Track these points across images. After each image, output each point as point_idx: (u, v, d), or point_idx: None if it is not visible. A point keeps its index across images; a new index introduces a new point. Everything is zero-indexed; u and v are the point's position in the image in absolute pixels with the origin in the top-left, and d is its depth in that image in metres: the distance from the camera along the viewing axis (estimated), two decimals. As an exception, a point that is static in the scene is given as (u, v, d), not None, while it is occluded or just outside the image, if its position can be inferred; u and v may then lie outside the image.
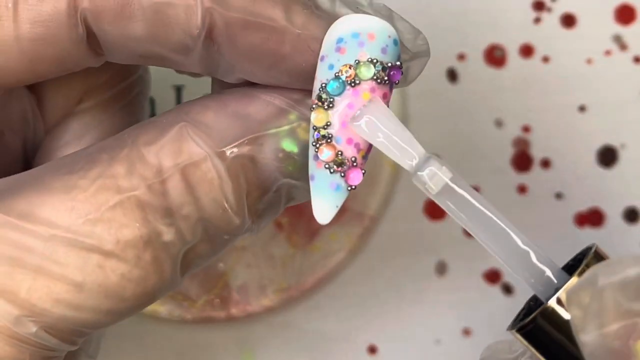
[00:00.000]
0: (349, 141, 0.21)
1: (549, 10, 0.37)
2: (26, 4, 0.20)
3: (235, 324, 0.36)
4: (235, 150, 0.21)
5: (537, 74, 0.37)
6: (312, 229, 0.36)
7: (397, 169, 0.37)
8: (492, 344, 0.25)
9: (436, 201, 0.22)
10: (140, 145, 0.21)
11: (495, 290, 0.37)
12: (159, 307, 0.36)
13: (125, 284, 0.21)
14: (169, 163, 0.21)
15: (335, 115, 0.21)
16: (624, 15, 0.37)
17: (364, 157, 0.21)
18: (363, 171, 0.21)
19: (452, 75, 0.37)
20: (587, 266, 0.22)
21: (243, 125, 0.21)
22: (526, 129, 0.37)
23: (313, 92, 0.21)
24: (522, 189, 0.37)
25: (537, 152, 0.37)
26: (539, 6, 0.37)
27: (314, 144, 0.21)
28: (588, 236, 0.37)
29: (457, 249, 0.37)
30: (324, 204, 0.21)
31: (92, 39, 0.21)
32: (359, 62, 0.21)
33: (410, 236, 0.37)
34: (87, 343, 0.26)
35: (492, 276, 0.37)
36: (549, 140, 0.37)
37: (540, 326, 0.22)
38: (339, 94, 0.21)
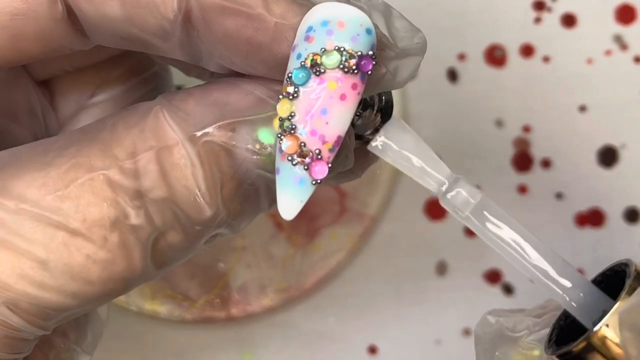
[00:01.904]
0: (313, 132, 0.20)
1: (549, 10, 0.37)
2: None
3: (235, 324, 0.36)
4: (207, 134, 0.21)
5: (538, 74, 0.37)
6: (312, 229, 0.36)
7: (397, 169, 0.37)
8: (487, 317, 0.24)
9: (466, 223, 0.22)
10: (119, 128, 0.21)
11: (495, 290, 0.37)
12: (159, 307, 0.36)
13: (91, 266, 0.20)
14: (144, 145, 0.21)
15: (298, 106, 0.20)
16: (624, 15, 0.37)
17: (331, 150, 0.20)
18: (329, 165, 0.20)
19: (452, 75, 0.37)
20: (633, 286, 0.21)
21: (220, 113, 0.21)
22: (526, 129, 0.37)
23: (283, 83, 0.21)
24: (522, 189, 0.37)
25: (537, 152, 0.37)
26: (539, 6, 0.37)
27: (278, 135, 0.20)
28: (588, 236, 0.37)
29: (457, 249, 0.37)
30: (288, 198, 0.21)
31: (73, 17, 0.21)
32: (325, 50, 0.20)
33: (410, 236, 0.37)
34: (82, 338, 0.26)
35: (492, 276, 0.37)
36: (549, 140, 0.37)
37: (587, 350, 0.21)
38: (304, 84, 0.20)
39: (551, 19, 0.37)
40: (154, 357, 0.37)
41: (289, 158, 0.20)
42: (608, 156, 0.37)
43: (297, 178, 0.20)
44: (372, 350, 0.37)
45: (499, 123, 0.37)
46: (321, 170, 0.20)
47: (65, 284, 0.20)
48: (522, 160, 0.37)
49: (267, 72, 0.21)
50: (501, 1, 0.37)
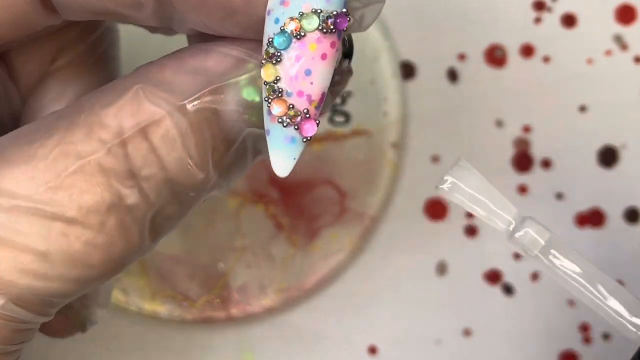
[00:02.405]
0: (300, 94, 0.21)
1: (550, 10, 0.37)
2: None
3: (235, 324, 0.36)
4: (196, 103, 0.21)
5: (537, 74, 0.37)
6: (312, 229, 0.36)
7: (397, 169, 0.37)
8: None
9: (539, 259, 0.22)
10: (98, 109, 0.21)
11: (495, 290, 0.37)
12: (159, 307, 0.36)
13: (91, 251, 0.21)
14: (129, 124, 0.20)
15: (283, 70, 0.21)
16: (625, 15, 0.37)
17: (317, 108, 0.21)
18: (317, 121, 0.21)
19: (452, 75, 0.37)
20: None
21: (203, 80, 0.21)
22: (526, 129, 0.37)
23: (262, 48, 0.21)
24: (522, 189, 0.37)
25: (537, 152, 0.37)
26: (539, 6, 0.37)
27: (266, 99, 0.21)
28: (588, 236, 0.37)
29: (457, 249, 0.37)
30: (282, 157, 0.21)
31: None
32: (302, 14, 0.20)
33: (410, 236, 0.37)
34: (96, 293, 0.26)
35: (492, 276, 0.37)
36: (549, 140, 0.37)
37: None
38: (285, 48, 0.20)
39: (551, 19, 0.37)
40: (154, 357, 0.37)
41: (279, 120, 0.21)
42: (608, 156, 0.37)
43: (288, 138, 0.21)
44: (372, 350, 0.37)
45: (499, 123, 0.37)
46: (311, 128, 0.21)
47: (67, 272, 0.21)
48: (522, 160, 0.37)
49: (241, 33, 0.21)
50: (501, 1, 0.37)
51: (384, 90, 0.36)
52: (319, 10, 0.20)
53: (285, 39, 0.20)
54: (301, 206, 0.36)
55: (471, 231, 0.37)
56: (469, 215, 0.37)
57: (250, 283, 0.36)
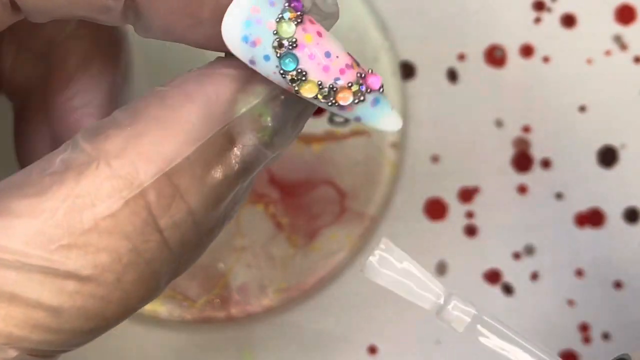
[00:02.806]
0: (342, 71, 0.21)
1: (549, 10, 0.37)
2: None
3: (235, 324, 0.36)
4: (213, 139, 0.20)
5: (537, 74, 0.37)
6: (312, 229, 0.36)
7: (397, 169, 0.37)
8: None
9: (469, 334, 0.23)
10: (110, 158, 0.20)
11: (495, 290, 0.37)
12: (159, 307, 0.36)
13: (106, 306, 0.20)
14: (146, 173, 0.20)
15: (316, 75, 0.20)
16: (624, 15, 0.37)
17: (358, 64, 0.21)
18: (369, 69, 0.21)
19: (452, 75, 0.37)
20: None
21: (214, 113, 0.21)
22: (526, 129, 0.37)
23: (281, 84, 0.21)
24: (522, 189, 0.37)
25: (537, 152, 0.37)
26: (539, 6, 0.37)
27: (330, 105, 0.21)
28: (588, 236, 0.37)
29: (457, 249, 0.37)
30: (386, 119, 0.22)
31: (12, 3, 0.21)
32: (276, 32, 0.20)
33: (410, 236, 0.37)
34: None
35: (492, 276, 0.37)
36: (549, 140, 0.37)
37: None
38: (297, 62, 0.20)
39: (551, 19, 0.37)
40: (154, 357, 0.37)
41: (355, 102, 0.21)
42: (608, 156, 0.37)
43: (373, 104, 0.21)
44: (372, 350, 0.37)
45: (499, 123, 0.37)
46: (374, 79, 0.21)
47: (80, 326, 0.20)
48: (522, 160, 0.37)
49: (204, 42, 0.21)
50: (501, 1, 0.37)
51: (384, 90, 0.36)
52: (278, 15, 0.20)
53: (290, 59, 0.20)
54: (301, 206, 0.36)
55: (471, 231, 0.37)
56: (469, 215, 0.37)
57: (250, 283, 0.36)
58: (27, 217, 0.19)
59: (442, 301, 0.23)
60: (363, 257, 0.37)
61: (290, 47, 0.20)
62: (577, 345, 0.37)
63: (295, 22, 0.20)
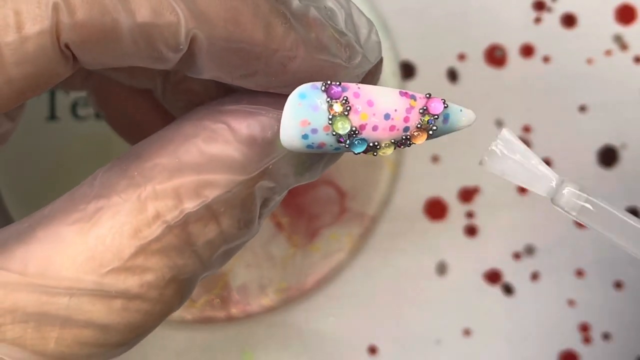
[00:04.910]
0: (406, 119, 0.21)
1: (549, 10, 0.37)
2: (8, 47, 0.19)
3: (235, 324, 0.36)
4: (256, 175, 0.21)
5: (537, 74, 0.37)
6: (312, 229, 0.36)
7: (397, 169, 0.37)
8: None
9: (578, 220, 0.23)
10: (156, 184, 0.21)
11: (495, 290, 0.37)
12: (159, 307, 0.36)
13: (149, 318, 0.21)
14: (190, 203, 0.21)
15: (381, 134, 0.21)
16: (625, 15, 0.37)
17: (411, 95, 0.21)
18: (427, 95, 0.21)
19: (452, 75, 0.37)
20: None
21: (258, 150, 0.21)
22: (526, 129, 0.37)
23: (343, 146, 0.21)
24: (522, 189, 0.37)
25: (537, 152, 0.37)
26: (539, 6, 0.37)
27: (401, 144, 0.21)
28: (588, 236, 0.37)
29: (457, 249, 0.37)
30: (460, 121, 0.23)
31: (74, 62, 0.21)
32: (334, 116, 0.21)
33: (410, 236, 0.37)
34: None
35: (492, 276, 0.37)
36: (549, 140, 0.37)
37: None
38: (351, 128, 0.21)
39: (551, 19, 0.37)
40: (154, 356, 0.37)
41: (430, 133, 0.21)
42: (608, 156, 0.37)
43: (445, 122, 0.22)
44: (372, 350, 0.37)
45: (499, 123, 0.37)
46: (436, 103, 0.21)
47: (124, 338, 0.21)
48: (522, 160, 0.37)
49: (253, 88, 0.22)
50: (501, 1, 0.37)
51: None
52: (328, 118, 0.20)
53: (357, 141, 0.21)
54: (301, 206, 0.36)
55: (471, 231, 0.37)
56: (469, 215, 0.37)
57: (250, 283, 0.36)
58: (76, 244, 0.20)
59: (554, 185, 0.23)
60: (363, 257, 0.37)
61: (354, 135, 0.21)
62: (577, 346, 0.37)
63: (346, 112, 0.20)
